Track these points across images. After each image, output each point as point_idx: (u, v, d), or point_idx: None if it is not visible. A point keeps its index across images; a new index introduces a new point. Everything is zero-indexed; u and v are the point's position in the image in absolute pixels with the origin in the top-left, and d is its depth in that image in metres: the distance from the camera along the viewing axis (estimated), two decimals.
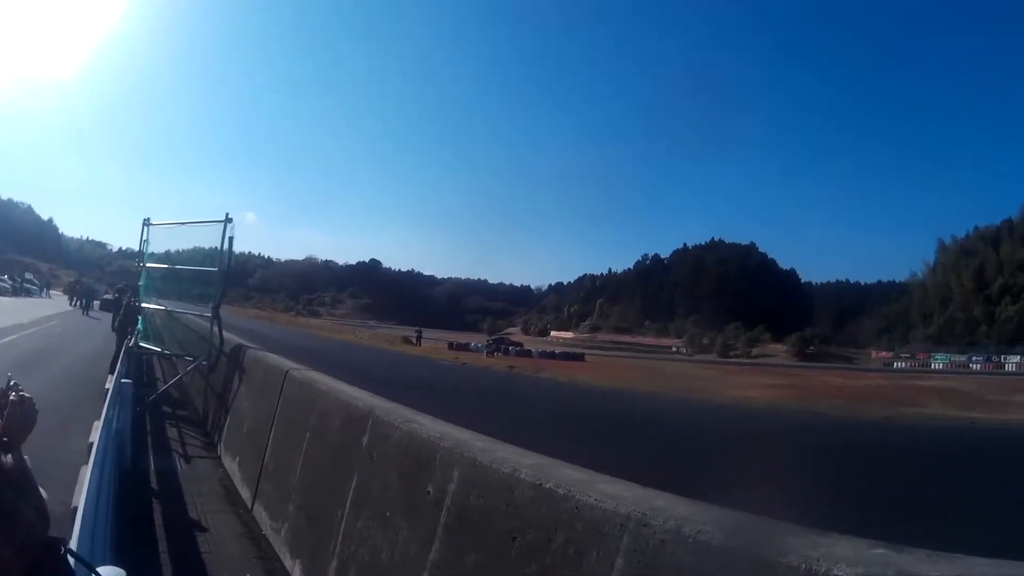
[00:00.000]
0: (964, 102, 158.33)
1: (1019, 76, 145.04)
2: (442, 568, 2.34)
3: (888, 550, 1.51)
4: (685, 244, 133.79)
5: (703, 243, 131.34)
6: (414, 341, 49.24)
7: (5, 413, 1.26)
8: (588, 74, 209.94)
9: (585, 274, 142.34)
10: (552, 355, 46.60)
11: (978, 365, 74.44)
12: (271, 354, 6.50)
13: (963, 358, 77.19)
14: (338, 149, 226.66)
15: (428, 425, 2.92)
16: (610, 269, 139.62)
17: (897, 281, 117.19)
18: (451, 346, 46.81)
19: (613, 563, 1.75)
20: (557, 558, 1.90)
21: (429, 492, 2.55)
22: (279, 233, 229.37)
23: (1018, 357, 76.06)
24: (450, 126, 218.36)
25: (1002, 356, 77.28)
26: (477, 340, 51.36)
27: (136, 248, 10.75)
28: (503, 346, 45.69)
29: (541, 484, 2.07)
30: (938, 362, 77.66)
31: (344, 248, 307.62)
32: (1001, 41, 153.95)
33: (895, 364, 78.64)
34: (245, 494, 4.92)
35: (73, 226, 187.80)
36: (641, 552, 1.72)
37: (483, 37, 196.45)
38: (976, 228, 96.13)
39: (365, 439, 3.29)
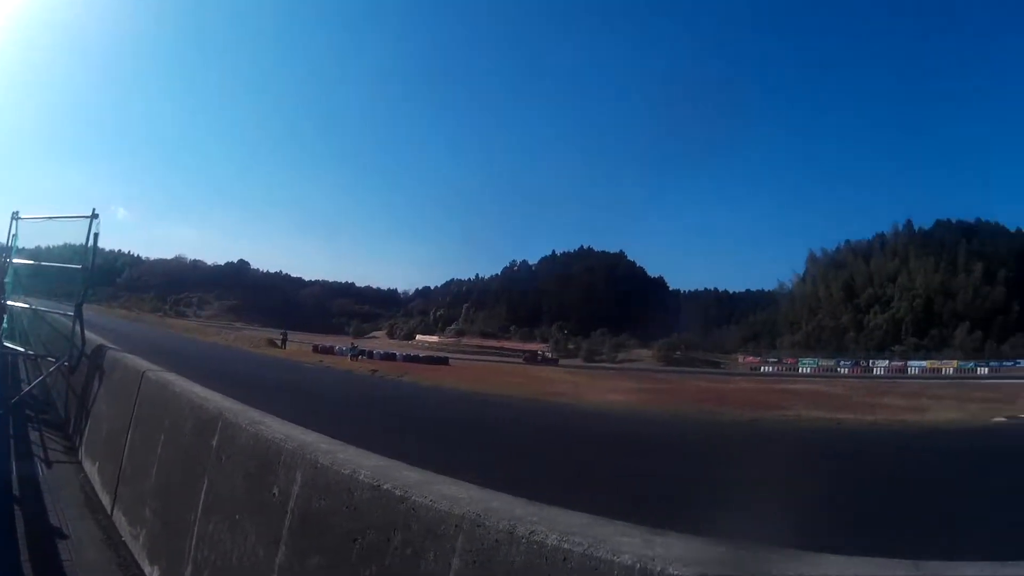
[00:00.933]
0: (837, 120, 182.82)
1: (892, 93, 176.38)
2: (288, 571, 2.47)
3: (728, 548, 1.57)
4: (554, 251, 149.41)
5: (572, 251, 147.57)
6: (279, 344, 53.01)
7: None
8: (447, 77, 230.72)
9: (452, 279, 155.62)
10: (416, 359, 51.81)
11: (846, 369, 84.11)
12: (130, 355, 6.84)
13: (831, 363, 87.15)
14: (211, 145, 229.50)
15: (274, 427, 3.13)
16: (477, 274, 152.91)
17: (766, 290, 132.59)
18: (316, 349, 50.94)
19: (450, 563, 1.85)
20: (396, 559, 2.02)
21: (275, 494, 2.70)
22: (151, 230, 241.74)
23: (886, 362, 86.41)
24: (322, 126, 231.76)
25: (871, 361, 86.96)
26: (342, 343, 57.48)
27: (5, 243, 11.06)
28: (361, 350, 50.38)
29: (379, 485, 2.22)
30: (806, 366, 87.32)
31: (215, 247, 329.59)
32: (875, 58, 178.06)
33: (762, 369, 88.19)
34: (105, 499, 5.18)
35: None
36: (476, 552, 1.81)
37: (355, 41, 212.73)
38: (847, 242, 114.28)
39: (215, 441, 3.45)
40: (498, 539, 1.78)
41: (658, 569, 1.47)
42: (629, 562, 1.52)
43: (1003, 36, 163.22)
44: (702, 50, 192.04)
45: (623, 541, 1.63)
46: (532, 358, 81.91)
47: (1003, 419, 23.25)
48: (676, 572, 1.45)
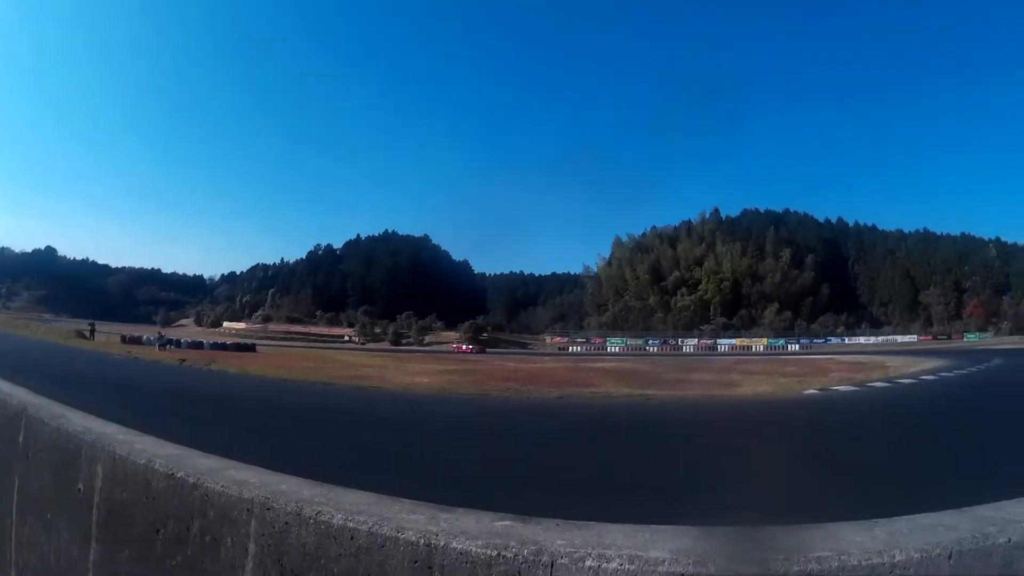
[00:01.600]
0: (646, 110, 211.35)
1: (699, 87, 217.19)
2: (101, 568, 2.64)
3: (514, 521, 1.84)
4: (358, 235, 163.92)
5: (376, 234, 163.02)
6: (87, 335, 56.04)
7: None
8: (245, 55, 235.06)
9: (258, 263, 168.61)
10: (224, 346, 55.52)
11: (656, 348, 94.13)
12: None
13: (640, 342, 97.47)
14: (17, 119, 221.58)
15: (75, 420, 3.36)
16: (283, 259, 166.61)
17: (572, 273, 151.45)
18: (124, 339, 53.77)
19: (247, 548, 2.00)
20: (197, 547, 2.17)
21: (80, 489, 2.86)
22: None
23: (695, 340, 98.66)
24: (126, 99, 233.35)
25: (680, 340, 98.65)
26: (150, 333, 60.68)
27: None
28: (169, 340, 52.52)
29: (173, 474, 2.38)
30: (615, 346, 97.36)
31: (22, 232, 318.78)
32: (683, 47, 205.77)
33: (571, 348, 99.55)
34: None
35: None
36: (269, 536, 1.96)
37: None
38: (654, 227, 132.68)
39: (21, 438, 3.59)
40: (287, 521, 1.94)
41: (442, 544, 1.69)
42: (414, 538, 1.73)
43: (808, 35, 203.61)
44: (512, 43, 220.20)
45: (408, 518, 1.85)
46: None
47: (815, 391, 25.69)
48: (459, 546, 1.68)
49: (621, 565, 1.60)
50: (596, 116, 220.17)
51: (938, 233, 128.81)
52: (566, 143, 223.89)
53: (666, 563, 1.60)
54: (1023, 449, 10.80)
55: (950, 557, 1.71)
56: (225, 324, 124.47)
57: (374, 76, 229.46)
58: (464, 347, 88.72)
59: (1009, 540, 1.80)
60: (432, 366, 39.24)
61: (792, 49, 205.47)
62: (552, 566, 1.62)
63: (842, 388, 26.50)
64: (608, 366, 43.69)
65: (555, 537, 1.69)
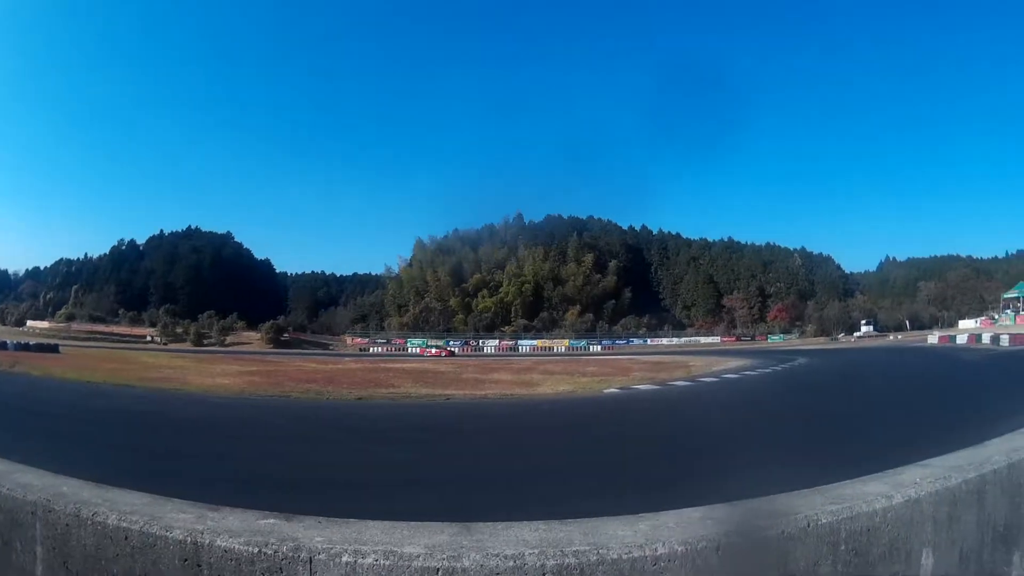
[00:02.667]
0: (451, 115, 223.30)
1: (503, 95, 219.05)
2: None
3: (278, 519, 1.97)
4: (162, 231, 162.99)
5: (180, 230, 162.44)
6: None
7: None
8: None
9: (62, 258, 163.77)
10: (27, 347, 55.18)
11: (457, 348, 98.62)
12: None
13: (441, 342, 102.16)
14: None
15: None
16: (86, 254, 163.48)
17: (373, 274, 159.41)
18: None
19: (35, 551, 2.03)
20: None
21: None
22: None
23: (496, 341, 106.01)
24: None
25: (480, 340, 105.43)
26: None
27: None
28: None
29: None
30: (415, 346, 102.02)
31: None
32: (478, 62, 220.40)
33: (371, 349, 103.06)
34: None
35: None
36: (53, 538, 2.00)
37: None
38: (456, 230, 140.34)
39: None
40: (68, 523, 1.99)
41: (207, 542, 1.82)
42: (181, 537, 1.86)
43: (617, 41, 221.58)
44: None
45: (178, 517, 1.97)
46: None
47: (616, 390, 26.74)
48: (223, 543, 1.80)
49: (376, 560, 1.71)
50: (400, 116, 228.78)
51: (743, 242, 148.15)
52: (372, 143, 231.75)
53: (420, 558, 1.70)
54: (810, 443, 11.98)
55: (718, 550, 1.80)
56: (29, 323, 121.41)
57: (185, 68, 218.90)
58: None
59: (782, 532, 1.95)
60: (233, 367, 39.75)
61: (601, 57, 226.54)
62: (311, 562, 1.74)
63: (643, 387, 28.04)
64: (409, 367, 45.47)
65: (314, 534, 1.85)
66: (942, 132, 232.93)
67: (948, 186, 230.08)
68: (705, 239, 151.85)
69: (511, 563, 1.64)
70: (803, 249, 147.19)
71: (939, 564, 2.44)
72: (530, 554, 1.67)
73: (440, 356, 75.59)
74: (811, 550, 2.00)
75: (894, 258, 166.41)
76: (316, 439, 14.29)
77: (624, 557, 1.70)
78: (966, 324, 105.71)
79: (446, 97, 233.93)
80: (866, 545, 2.16)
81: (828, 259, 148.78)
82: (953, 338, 70.44)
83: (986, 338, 63.30)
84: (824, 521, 2.04)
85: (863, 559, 2.14)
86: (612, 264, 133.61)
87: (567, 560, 1.66)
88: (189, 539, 1.81)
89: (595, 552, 1.69)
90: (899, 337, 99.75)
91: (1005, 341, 57.64)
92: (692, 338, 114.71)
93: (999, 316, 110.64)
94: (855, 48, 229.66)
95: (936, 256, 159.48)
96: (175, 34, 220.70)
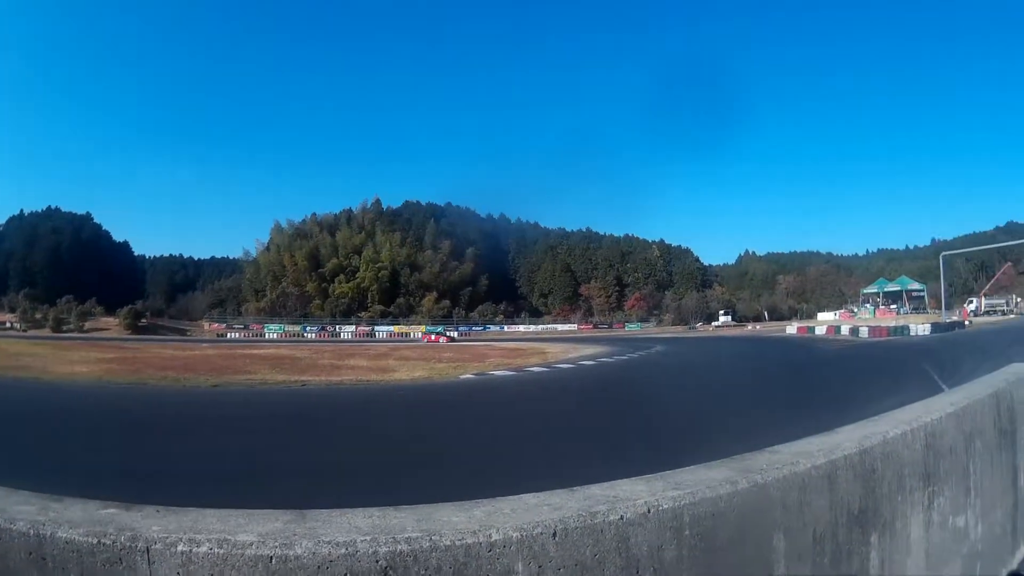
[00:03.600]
0: (305, 98, 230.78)
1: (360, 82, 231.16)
2: None
3: (118, 508, 2.02)
4: (22, 211, 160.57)
5: (40, 210, 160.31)
6: None
7: None
8: None
9: None
10: None
11: (313, 334, 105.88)
12: None
13: (297, 328, 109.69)
14: None
15: None
16: None
17: (231, 257, 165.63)
18: None
19: None
20: None
21: None
22: None
23: (353, 327, 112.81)
24: None
25: (337, 326, 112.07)
26: None
27: None
28: None
29: None
30: (272, 332, 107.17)
31: None
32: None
33: (229, 335, 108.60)
34: None
35: None
36: None
37: None
38: (313, 214, 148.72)
39: None
40: None
41: (49, 533, 1.88)
42: (24, 529, 1.92)
43: (478, 41, 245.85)
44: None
45: (21, 509, 2.02)
46: None
47: (471, 376, 29.52)
48: (64, 535, 1.87)
49: (211, 549, 1.80)
50: (261, 97, 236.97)
51: (602, 233, 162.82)
52: (234, 123, 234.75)
53: (253, 546, 1.80)
54: (662, 431, 13.66)
55: (554, 535, 1.89)
56: None
57: (38, 44, 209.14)
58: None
59: (622, 518, 2.04)
60: (92, 354, 40.91)
61: (464, 55, 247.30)
62: (148, 552, 1.81)
63: (499, 373, 30.73)
64: (265, 353, 47.42)
65: (152, 524, 1.90)
66: (800, 135, 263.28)
67: (808, 186, 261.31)
68: (563, 228, 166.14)
69: (343, 550, 1.72)
70: (662, 241, 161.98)
71: (791, 546, 2.64)
72: (362, 541, 1.74)
73: (437, 342, 75.31)
74: (653, 535, 2.12)
75: (753, 252, 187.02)
76: (170, 429, 15.10)
77: (458, 543, 1.78)
78: (825, 316, 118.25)
79: (305, 77, 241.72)
80: (712, 530, 2.29)
81: (687, 251, 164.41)
82: (812, 329, 77.39)
83: (845, 330, 70.72)
84: (666, 507, 2.17)
85: (709, 544, 2.28)
86: (469, 251, 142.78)
87: (399, 547, 1.75)
88: (32, 531, 1.87)
89: (428, 538, 1.77)
90: (757, 327, 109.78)
91: (864, 333, 65.13)
92: (549, 326, 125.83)
93: (858, 309, 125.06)
94: (718, 42, 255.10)
95: (796, 252, 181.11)
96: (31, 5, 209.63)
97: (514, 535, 1.85)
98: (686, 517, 2.24)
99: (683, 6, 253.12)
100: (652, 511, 2.14)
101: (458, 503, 2.09)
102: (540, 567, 1.91)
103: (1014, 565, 5.53)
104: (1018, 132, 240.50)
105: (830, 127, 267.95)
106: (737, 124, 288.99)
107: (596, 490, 2.26)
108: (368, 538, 1.77)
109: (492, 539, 1.82)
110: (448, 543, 1.79)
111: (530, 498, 2.14)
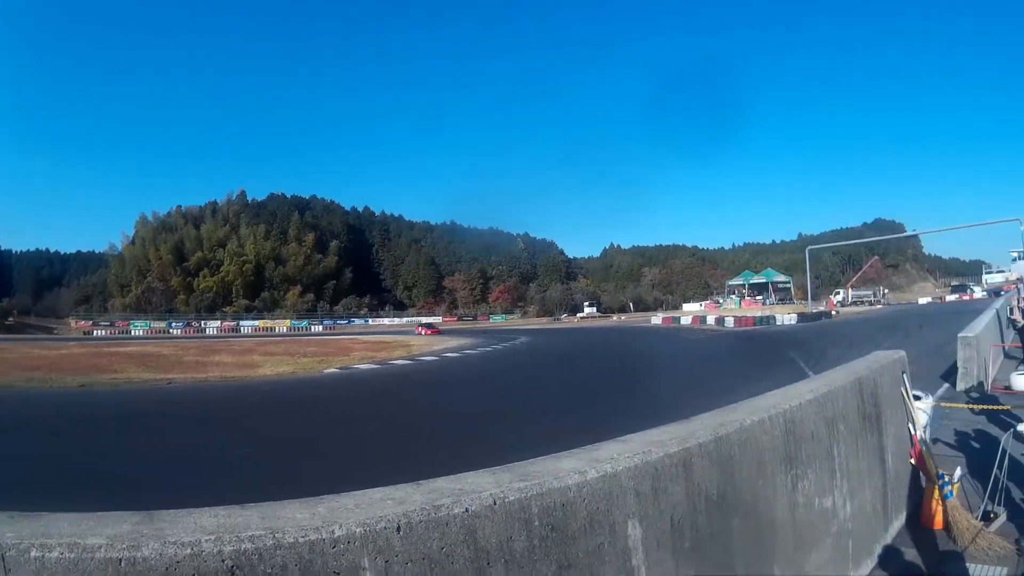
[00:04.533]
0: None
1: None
2: None
3: None
4: None
5: None
6: None
7: None
8: None
9: None
10: None
11: (179, 330, 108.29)
12: None
13: (163, 324, 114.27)
14: None
15: None
16: None
17: (97, 251, 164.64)
18: None
19: None
20: None
21: None
22: None
23: (218, 322, 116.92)
24: None
25: (202, 322, 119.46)
26: None
27: None
28: None
29: None
30: (138, 329, 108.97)
31: None
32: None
33: (95, 333, 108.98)
34: None
35: None
36: None
37: None
38: (179, 206, 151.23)
39: None
40: None
41: None
42: None
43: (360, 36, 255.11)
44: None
45: None
46: None
47: (336, 370, 31.16)
48: None
49: (62, 554, 1.81)
50: (124, 84, 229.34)
51: (466, 226, 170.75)
52: (97, 111, 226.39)
53: (103, 549, 1.82)
54: (523, 419, 15.08)
55: (399, 529, 2.01)
56: None
57: None
58: None
59: (467, 510, 2.17)
60: None
61: (326, 46, 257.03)
62: (3, 559, 1.80)
63: (363, 366, 33.14)
64: (132, 350, 48.57)
65: (6, 530, 1.89)
66: (663, 133, 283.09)
67: (674, 181, 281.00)
68: (427, 222, 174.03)
69: (189, 551, 1.79)
70: (526, 234, 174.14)
71: (649, 533, 2.84)
72: (207, 540, 1.82)
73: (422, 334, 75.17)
74: (501, 527, 2.26)
75: (618, 245, 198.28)
76: (40, 430, 15.88)
77: (301, 540, 1.87)
78: (690, 307, 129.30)
79: (171, 65, 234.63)
80: (563, 520, 2.46)
81: (551, 244, 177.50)
82: (677, 319, 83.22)
83: (711, 320, 76.22)
84: (512, 498, 2.32)
85: (561, 534, 2.45)
86: (333, 244, 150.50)
87: (244, 545, 1.83)
88: None
89: (271, 536, 1.86)
90: (623, 318, 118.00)
91: (730, 323, 70.02)
92: (414, 318, 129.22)
93: (724, 300, 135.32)
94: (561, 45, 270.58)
95: (661, 245, 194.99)
96: None
97: (357, 530, 1.96)
98: (534, 508, 2.39)
99: None
100: (498, 503, 2.28)
101: (303, 500, 2.17)
102: (387, 561, 2.01)
103: (888, 540, 6.10)
104: (885, 132, 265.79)
105: (695, 125, 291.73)
106: (602, 119, 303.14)
107: (442, 483, 2.40)
108: (213, 538, 1.83)
109: (335, 535, 1.92)
110: (292, 540, 1.87)
111: (375, 492, 2.26)
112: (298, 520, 1.98)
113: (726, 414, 4.05)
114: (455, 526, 2.16)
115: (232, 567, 1.84)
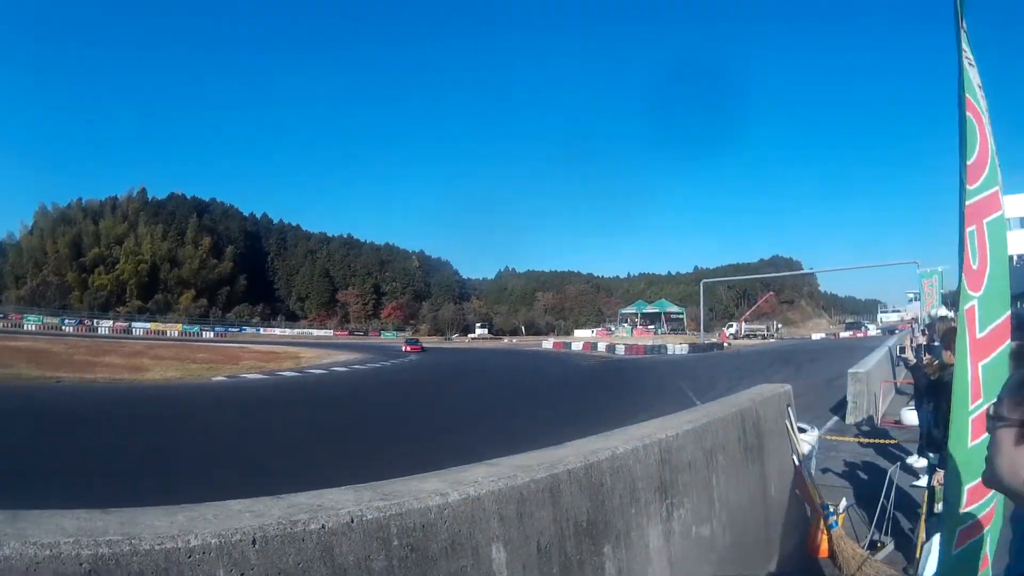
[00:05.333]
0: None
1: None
2: None
3: None
4: None
5: None
6: None
7: None
8: None
9: None
10: None
11: (72, 328, 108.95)
12: None
13: (57, 320, 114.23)
14: None
15: None
16: None
17: None
18: None
19: None
20: None
21: None
22: None
23: (111, 322, 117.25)
24: None
25: (95, 320, 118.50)
26: None
27: None
28: None
29: None
30: (31, 323, 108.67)
31: None
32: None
33: None
34: None
35: None
36: None
37: None
38: (79, 199, 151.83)
39: None
40: None
41: None
42: None
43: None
44: None
45: None
46: None
47: (223, 378, 32.61)
48: None
49: None
50: (30, 77, 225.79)
51: (362, 240, 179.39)
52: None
53: None
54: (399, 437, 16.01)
55: (254, 543, 2.06)
56: None
57: None
58: None
59: (323, 527, 2.23)
60: None
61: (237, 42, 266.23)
62: None
63: (251, 376, 34.73)
64: (23, 345, 48.70)
65: None
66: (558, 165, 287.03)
67: (570, 210, 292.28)
68: (324, 233, 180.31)
69: (48, 552, 1.80)
70: (422, 252, 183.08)
71: (514, 558, 2.93)
72: (66, 543, 1.83)
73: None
74: (359, 545, 2.34)
75: (513, 269, 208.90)
76: None
77: (157, 548, 1.90)
78: (582, 333, 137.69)
79: (74, 55, 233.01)
80: (423, 541, 2.55)
81: (446, 264, 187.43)
82: (568, 344, 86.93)
83: (602, 346, 79.64)
84: (370, 517, 2.39)
85: (421, 555, 2.54)
86: (229, 250, 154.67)
87: (101, 550, 1.84)
88: None
89: (128, 542, 1.88)
90: (514, 340, 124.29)
91: (620, 350, 73.38)
92: (305, 330, 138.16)
93: (616, 328, 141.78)
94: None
95: (556, 271, 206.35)
96: None
97: (213, 541, 1.99)
98: (393, 528, 2.47)
99: None
100: (356, 521, 2.36)
101: (165, 507, 2.21)
102: (242, 574, 2.05)
103: (772, 568, 6.47)
104: (787, 172, 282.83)
105: (592, 156, 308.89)
106: (499, 145, 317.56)
107: (302, 498, 2.47)
108: (72, 540, 1.84)
109: (191, 544, 1.95)
110: (148, 547, 1.89)
111: (235, 504, 2.31)
112: (156, 528, 2.01)
113: (599, 441, 4.22)
114: (311, 542, 2.22)
115: (90, 571, 1.83)
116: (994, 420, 1.58)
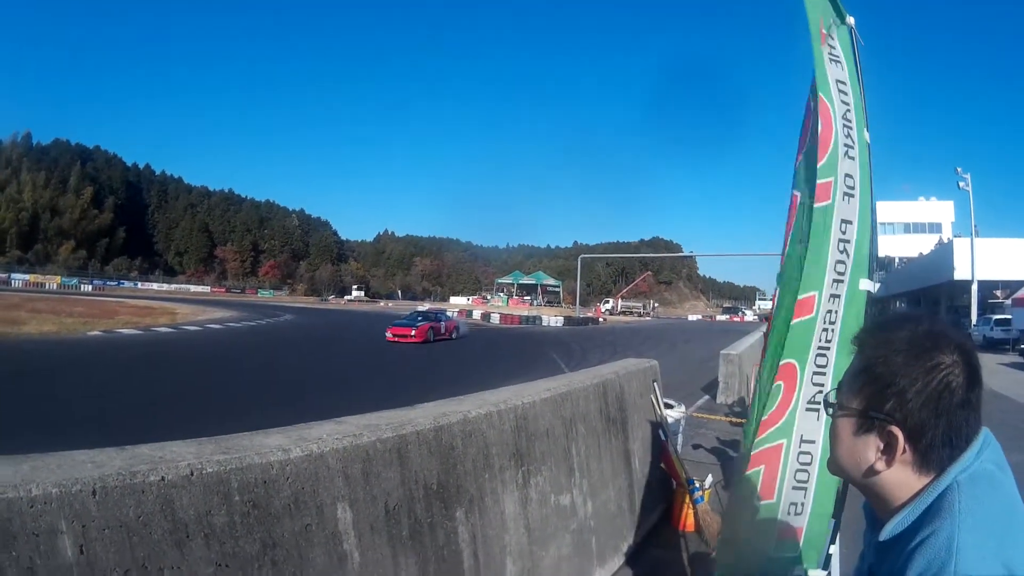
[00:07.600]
0: None
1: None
2: None
3: None
4: None
5: None
6: None
7: None
8: None
9: None
10: None
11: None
12: None
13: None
14: None
15: None
16: None
17: None
18: None
19: None
20: None
21: None
22: None
23: None
24: None
25: None
26: None
27: None
28: None
29: None
30: None
31: None
32: None
33: None
34: None
35: None
36: None
37: None
38: None
39: None
40: None
41: None
42: None
43: None
44: None
45: None
46: None
47: (99, 332, 34.12)
48: None
49: None
50: None
51: (243, 196, 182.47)
52: None
53: None
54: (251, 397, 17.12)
55: (95, 494, 2.16)
56: None
57: None
58: None
59: (163, 479, 2.35)
60: None
61: None
62: None
63: (126, 331, 37.01)
64: None
65: None
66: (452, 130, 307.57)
67: (453, 177, 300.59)
68: (205, 187, 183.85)
69: None
70: (302, 211, 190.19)
71: (360, 518, 3.08)
72: None
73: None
74: (199, 499, 2.41)
75: (392, 232, 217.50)
76: None
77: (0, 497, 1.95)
78: (458, 300, 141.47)
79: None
80: (265, 498, 2.63)
81: (326, 224, 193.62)
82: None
83: (477, 314, 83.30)
84: (210, 471, 2.47)
85: (264, 511, 2.62)
86: (110, 200, 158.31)
87: None
88: None
89: None
90: (390, 304, 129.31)
91: (495, 319, 77.92)
92: (183, 286, 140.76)
93: (492, 297, 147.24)
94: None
95: (435, 237, 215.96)
96: None
97: (54, 491, 2.05)
98: (234, 483, 2.57)
99: None
100: (196, 474, 2.45)
101: (11, 456, 2.28)
102: (84, 527, 2.11)
103: (636, 540, 7.02)
104: (672, 155, 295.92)
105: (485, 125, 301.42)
106: (392, 108, 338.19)
107: (145, 450, 2.56)
108: None
109: (32, 494, 2.01)
110: None
111: (79, 455, 2.38)
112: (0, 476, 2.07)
113: (450, 404, 4.47)
114: (151, 494, 2.31)
115: None
116: (834, 408, 1.70)
